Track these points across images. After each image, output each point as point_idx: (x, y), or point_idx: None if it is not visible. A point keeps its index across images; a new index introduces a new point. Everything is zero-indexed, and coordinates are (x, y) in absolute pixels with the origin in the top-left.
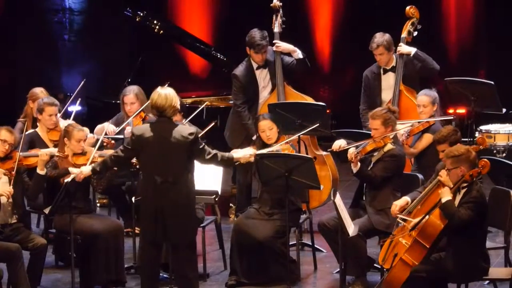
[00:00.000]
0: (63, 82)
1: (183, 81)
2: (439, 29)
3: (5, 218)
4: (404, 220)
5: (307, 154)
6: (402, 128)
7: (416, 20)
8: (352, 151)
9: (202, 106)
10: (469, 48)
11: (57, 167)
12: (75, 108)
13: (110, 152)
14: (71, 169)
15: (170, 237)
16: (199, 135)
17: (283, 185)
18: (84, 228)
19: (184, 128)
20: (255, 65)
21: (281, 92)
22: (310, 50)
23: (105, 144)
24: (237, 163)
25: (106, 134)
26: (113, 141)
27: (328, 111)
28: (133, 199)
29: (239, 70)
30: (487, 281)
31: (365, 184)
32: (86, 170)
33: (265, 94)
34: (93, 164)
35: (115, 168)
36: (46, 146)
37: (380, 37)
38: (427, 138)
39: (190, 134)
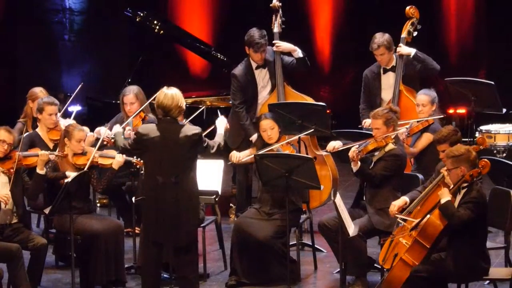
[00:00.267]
0: (63, 82)
1: (183, 81)
2: (439, 29)
3: (5, 218)
4: (404, 220)
5: (307, 154)
6: (402, 129)
7: (416, 20)
8: (353, 150)
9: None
10: (469, 48)
11: (57, 168)
12: (75, 108)
13: (111, 151)
14: (68, 173)
15: (172, 238)
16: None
17: (283, 185)
18: (84, 228)
19: (189, 128)
20: (254, 65)
21: (281, 92)
22: (310, 50)
23: (105, 142)
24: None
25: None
26: (112, 140)
27: (328, 111)
28: (133, 199)
29: (238, 69)
30: (487, 281)
31: (365, 183)
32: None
33: (264, 94)
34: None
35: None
36: (47, 146)
37: (380, 37)
38: (427, 138)
39: (195, 134)
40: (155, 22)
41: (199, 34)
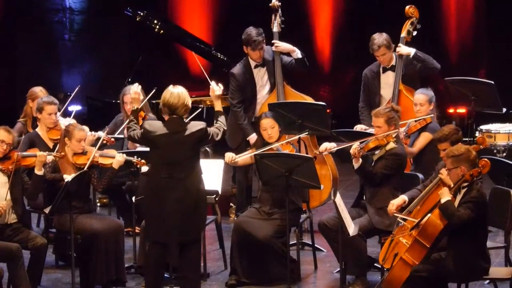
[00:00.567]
0: (63, 82)
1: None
2: (439, 29)
3: (2, 218)
4: (405, 219)
5: (307, 153)
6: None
7: (415, 19)
8: (355, 147)
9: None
10: (469, 48)
11: (57, 168)
12: (75, 108)
13: (111, 151)
14: (65, 176)
15: (176, 236)
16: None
17: (283, 185)
18: (84, 228)
19: (193, 125)
20: (252, 64)
21: (281, 92)
22: (310, 50)
23: (104, 142)
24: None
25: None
26: (112, 139)
27: (328, 111)
28: (133, 198)
29: (237, 68)
30: (487, 281)
31: (364, 181)
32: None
33: (263, 94)
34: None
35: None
36: (47, 146)
37: (379, 38)
38: (425, 137)
39: (200, 130)
40: (155, 21)
41: (199, 34)
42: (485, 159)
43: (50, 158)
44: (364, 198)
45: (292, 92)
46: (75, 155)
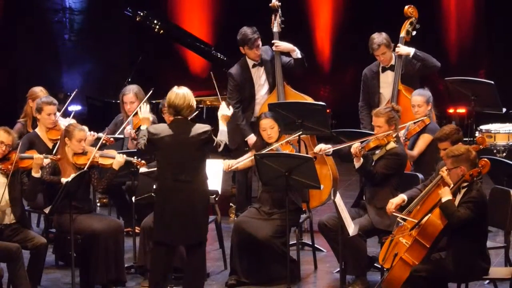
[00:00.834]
0: (63, 81)
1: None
2: (439, 29)
3: (3, 218)
4: (404, 219)
5: (307, 153)
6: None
7: (414, 19)
8: (356, 146)
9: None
10: (469, 48)
11: (57, 168)
12: (75, 108)
13: (111, 151)
14: (63, 179)
15: (182, 238)
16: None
17: (283, 185)
18: (84, 228)
19: (199, 127)
20: (250, 64)
21: (281, 92)
22: (310, 50)
23: (104, 141)
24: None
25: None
26: (112, 139)
27: (328, 111)
28: (133, 198)
29: (235, 68)
30: (487, 281)
31: (364, 181)
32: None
33: (261, 93)
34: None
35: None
36: (46, 146)
37: (379, 37)
38: (425, 139)
39: (205, 132)
40: (155, 21)
41: (199, 34)
42: (485, 159)
43: (47, 161)
44: (364, 198)
45: (292, 92)
46: (75, 155)
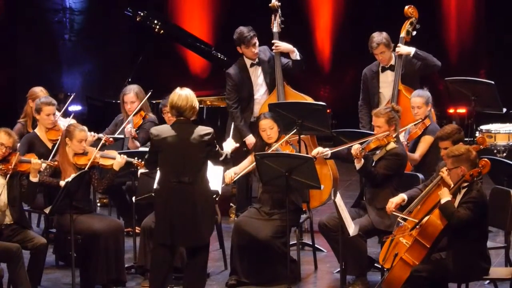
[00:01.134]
0: (63, 82)
1: (183, 81)
2: (439, 29)
3: (2, 218)
4: (405, 219)
5: (307, 153)
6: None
7: (414, 19)
8: (357, 147)
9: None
10: (469, 48)
11: (58, 171)
12: (75, 108)
13: (111, 152)
14: (61, 182)
15: (186, 240)
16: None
17: (283, 185)
18: (85, 228)
19: (201, 129)
20: (248, 63)
21: (281, 92)
22: (310, 50)
23: (104, 141)
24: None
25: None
26: (111, 139)
27: (328, 111)
28: (133, 198)
29: (233, 68)
30: (487, 281)
31: (364, 182)
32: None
33: (260, 93)
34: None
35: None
36: (46, 147)
37: (378, 36)
38: (426, 141)
39: (207, 134)
40: (155, 22)
41: (199, 34)
42: (485, 159)
43: (44, 165)
44: (364, 198)
45: (292, 92)
46: (76, 156)
